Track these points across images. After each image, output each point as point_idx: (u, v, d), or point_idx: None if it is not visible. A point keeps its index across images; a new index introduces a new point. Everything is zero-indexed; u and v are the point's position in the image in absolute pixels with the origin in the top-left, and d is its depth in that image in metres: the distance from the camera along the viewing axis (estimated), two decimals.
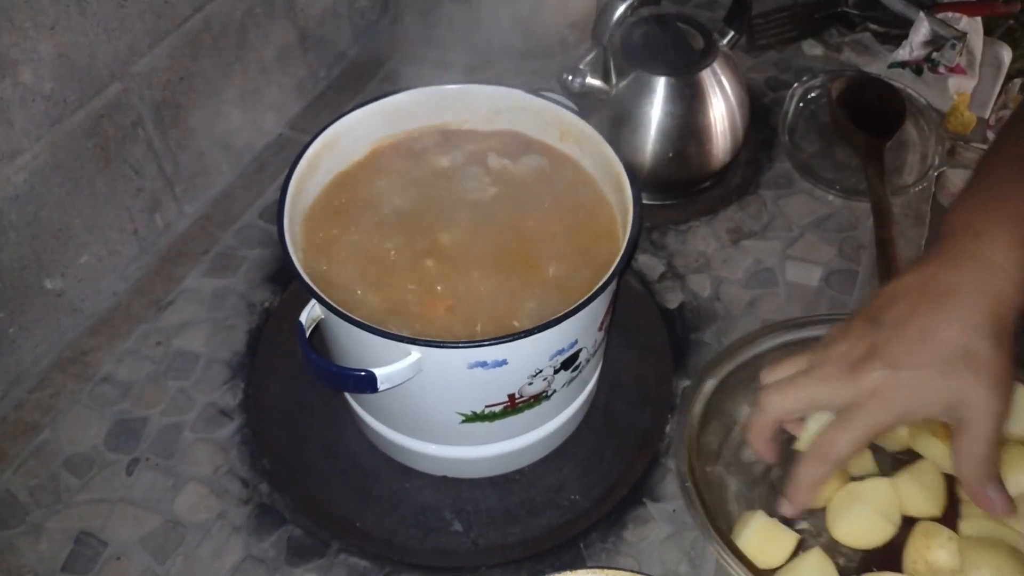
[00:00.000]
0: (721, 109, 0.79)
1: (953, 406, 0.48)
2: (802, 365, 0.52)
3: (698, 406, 0.59)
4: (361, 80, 0.96)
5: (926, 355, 0.48)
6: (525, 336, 0.50)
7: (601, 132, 0.61)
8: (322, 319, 0.54)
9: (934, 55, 0.93)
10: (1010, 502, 0.49)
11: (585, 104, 0.65)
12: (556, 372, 0.56)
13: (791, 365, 0.53)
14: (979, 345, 0.47)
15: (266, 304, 0.76)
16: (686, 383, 0.70)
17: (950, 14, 0.94)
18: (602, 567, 0.56)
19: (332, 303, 0.51)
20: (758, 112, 0.91)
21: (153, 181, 0.76)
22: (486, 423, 0.58)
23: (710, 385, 0.60)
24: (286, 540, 0.62)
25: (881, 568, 0.54)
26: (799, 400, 0.52)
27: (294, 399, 0.70)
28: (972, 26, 0.95)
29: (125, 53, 0.69)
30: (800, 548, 0.55)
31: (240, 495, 0.64)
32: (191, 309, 0.75)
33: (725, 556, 0.52)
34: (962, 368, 0.47)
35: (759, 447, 0.54)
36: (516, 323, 0.56)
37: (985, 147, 0.90)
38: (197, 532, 0.62)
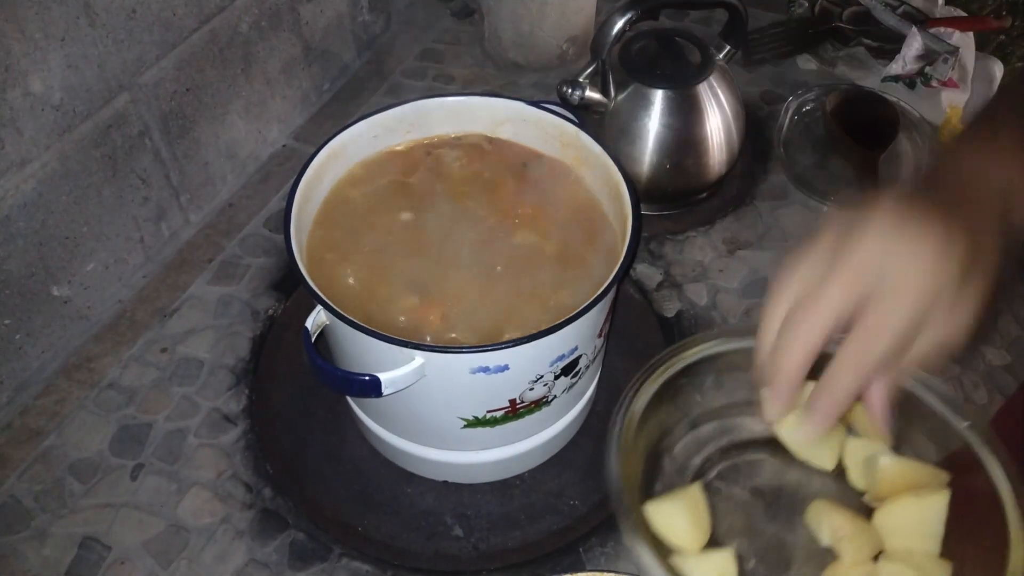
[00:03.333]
0: (717, 122, 0.80)
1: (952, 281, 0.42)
2: (788, 300, 0.45)
3: (630, 432, 0.53)
4: (364, 93, 0.97)
5: (914, 230, 0.42)
6: (527, 342, 0.51)
7: (600, 143, 0.63)
8: (327, 325, 0.55)
9: (927, 69, 0.94)
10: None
11: (584, 116, 0.66)
12: (556, 378, 0.57)
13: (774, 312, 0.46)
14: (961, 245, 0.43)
15: (270, 311, 0.77)
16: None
17: (942, 29, 0.96)
18: (601, 571, 0.57)
19: (338, 309, 0.52)
20: (754, 125, 0.93)
21: (159, 190, 0.77)
22: (487, 428, 0.59)
23: (639, 405, 0.55)
24: (289, 544, 0.62)
25: None
26: (816, 323, 0.43)
27: (297, 405, 0.70)
28: (964, 41, 0.96)
29: (133, 64, 0.70)
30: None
31: (244, 500, 0.65)
32: (196, 316, 0.76)
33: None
34: (955, 253, 0.42)
35: (779, 404, 0.46)
36: (517, 331, 0.56)
37: None
38: (201, 536, 0.63)
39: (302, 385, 0.71)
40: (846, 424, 0.58)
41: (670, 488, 0.59)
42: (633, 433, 0.54)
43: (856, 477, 0.59)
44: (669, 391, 0.58)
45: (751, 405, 0.59)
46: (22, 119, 0.62)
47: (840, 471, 0.59)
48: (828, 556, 0.57)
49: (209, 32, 0.76)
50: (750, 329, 0.58)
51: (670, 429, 0.60)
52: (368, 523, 0.64)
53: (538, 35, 0.97)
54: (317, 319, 0.54)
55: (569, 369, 0.57)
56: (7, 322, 0.67)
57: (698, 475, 0.60)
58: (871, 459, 0.57)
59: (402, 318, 0.57)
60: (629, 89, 0.79)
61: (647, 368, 0.57)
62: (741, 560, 0.55)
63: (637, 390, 0.56)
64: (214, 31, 0.77)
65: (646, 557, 0.49)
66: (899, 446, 0.57)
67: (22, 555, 0.62)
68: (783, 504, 0.56)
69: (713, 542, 0.56)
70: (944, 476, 0.56)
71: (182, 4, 0.72)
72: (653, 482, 0.59)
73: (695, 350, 0.58)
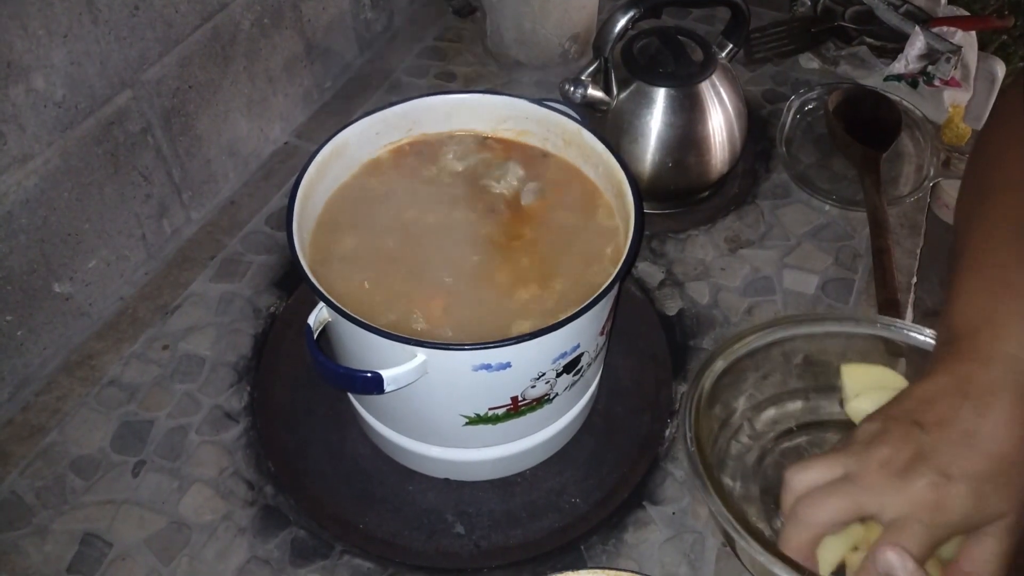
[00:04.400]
0: (720, 120, 0.80)
1: (997, 518, 0.46)
2: (837, 469, 0.48)
3: (707, 382, 0.59)
4: (366, 90, 0.97)
5: (978, 464, 0.46)
6: (529, 339, 0.51)
7: (603, 142, 0.63)
8: (329, 322, 0.55)
9: (929, 68, 0.94)
10: None
11: (586, 115, 0.66)
12: (558, 375, 0.57)
13: (823, 469, 0.49)
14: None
15: (272, 309, 0.77)
16: (685, 388, 0.71)
17: (945, 28, 0.96)
18: (602, 567, 0.57)
19: (340, 306, 0.52)
20: (756, 124, 0.93)
21: (161, 187, 0.77)
22: (489, 426, 0.59)
23: (720, 365, 0.60)
24: (290, 541, 0.62)
25: None
26: (844, 510, 0.47)
27: (299, 402, 0.70)
28: (967, 40, 0.96)
29: (136, 61, 0.70)
30: None
31: (245, 497, 0.65)
32: (198, 313, 0.76)
33: (727, 522, 0.52)
34: (1015, 481, 0.46)
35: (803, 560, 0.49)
36: (519, 328, 0.56)
37: None
38: (202, 533, 0.63)
39: (304, 382, 0.71)
40: None
41: (746, 447, 0.64)
42: (707, 394, 0.59)
43: None
44: (753, 360, 0.63)
45: (834, 390, 0.63)
46: (24, 115, 0.62)
47: None
48: None
49: (211, 29, 0.76)
50: (846, 315, 0.61)
51: (752, 394, 0.65)
52: (369, 520, 0.64)
53: (540, 33, 0.97)
54: (319, 316, 0.54)
55: (571, 367, 0.57)
56: (9, 318, 0.67)
57: (773, 442, 0.65)
58: None
59: (404, 315, 0.57)
60: (631, 87, 0.79)
61: (734, 337, 0.62)
62: None
63: (719, 355, 0.61)
64: (216, 28, 0.77)
65: (718, 511, 0.52)
66: None
67: (23, 551, 0.62)
68: None
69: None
70: None
71: (184, 1, 0.72)
72: (730, 438, 0.64)
73: (780, 327, 0.63)
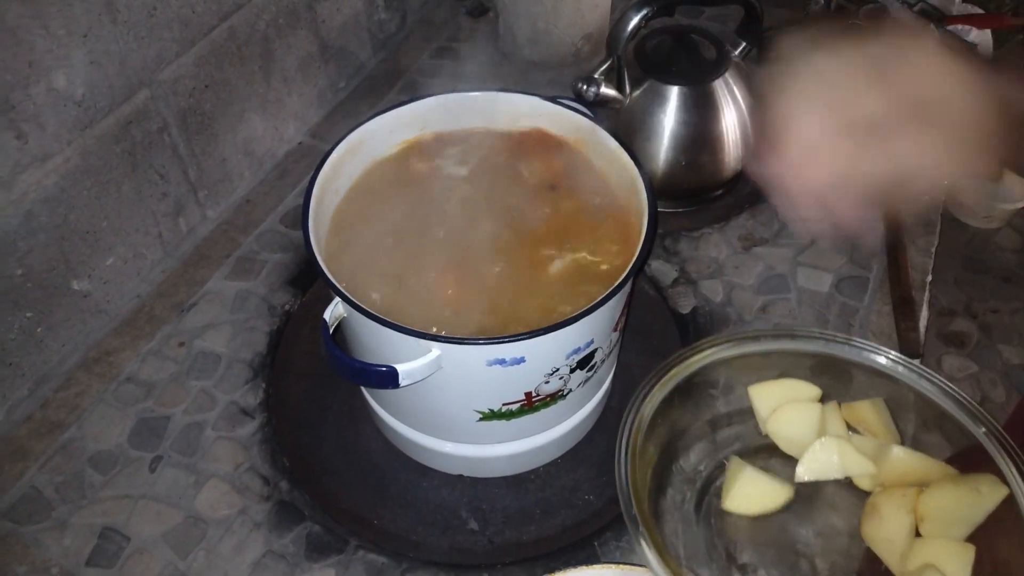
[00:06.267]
0: (733, 118, 0.80)
1: None
2: None
3: (639, 435, 0.56)
4: (379, 90, 0.98)
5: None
6: (543, 334, 0.51)
7: (617, 139, 0.63)
8: (345, 317, 0.55)
9: None
10: None
11: (599, 113, 0.66)
12: (572, 371, 0.57)
13: None
14: None
15: (286, 306, 0.77)
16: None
17: (960, 27, 0.95)
18: (616, 563, 0.57)
19: (355, 300, 0.52)
20: None
21: (178, 186, 0.78)
22: (503, 421, 0.59)
23: (649, 408, 0.58)
24: (305, 536, 0.63)
25: None
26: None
27: (314, 398, 0.71)
28: (982, 38, 0.96)
29: (153, 61, 0.71)
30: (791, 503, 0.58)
31: (261, 492, 0.65)
32: (213, 311, 0.77)
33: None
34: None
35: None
36: (534, 323, 0.56)
37: None
38: (218, 528, 0.63)
39: (318, 379, 0.72)
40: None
41: (681, 494, 0.61)
42: (642, 438, 0.57)
43: (862, 480, 0.60)
44: (679, 396, 0.60)
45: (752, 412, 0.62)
46: (45, 114, 0.63)
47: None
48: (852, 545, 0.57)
49: (228, 29, 0.77)
50: (761, 333, 0.61)
51: (681, 434, 0.63)
52: (384, 516, 0.64)
53: (553, 32, 0.97)
54: (335, 311, 0.54)
55: (585, 362, 0.58)
56: (29, 315, 0.67)
57: (708, 481, 0.62)
58: (881, 450, 0.58)
59: (419, 310, 0.57)
60: (644, 86, 0.79)
61: (657, 372, 0.60)
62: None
63: (647, 395, 0.59)
64: (232, 28, 0.78)
65: (655, 563, 0.50)
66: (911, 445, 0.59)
67: (43, 545, 0.62)
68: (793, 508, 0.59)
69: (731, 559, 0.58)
70: (951, 470, 0.57)
71: (201, 1, 0.73)
72: (664, 488, 0.61)
73: (705, 354, 0.61)
